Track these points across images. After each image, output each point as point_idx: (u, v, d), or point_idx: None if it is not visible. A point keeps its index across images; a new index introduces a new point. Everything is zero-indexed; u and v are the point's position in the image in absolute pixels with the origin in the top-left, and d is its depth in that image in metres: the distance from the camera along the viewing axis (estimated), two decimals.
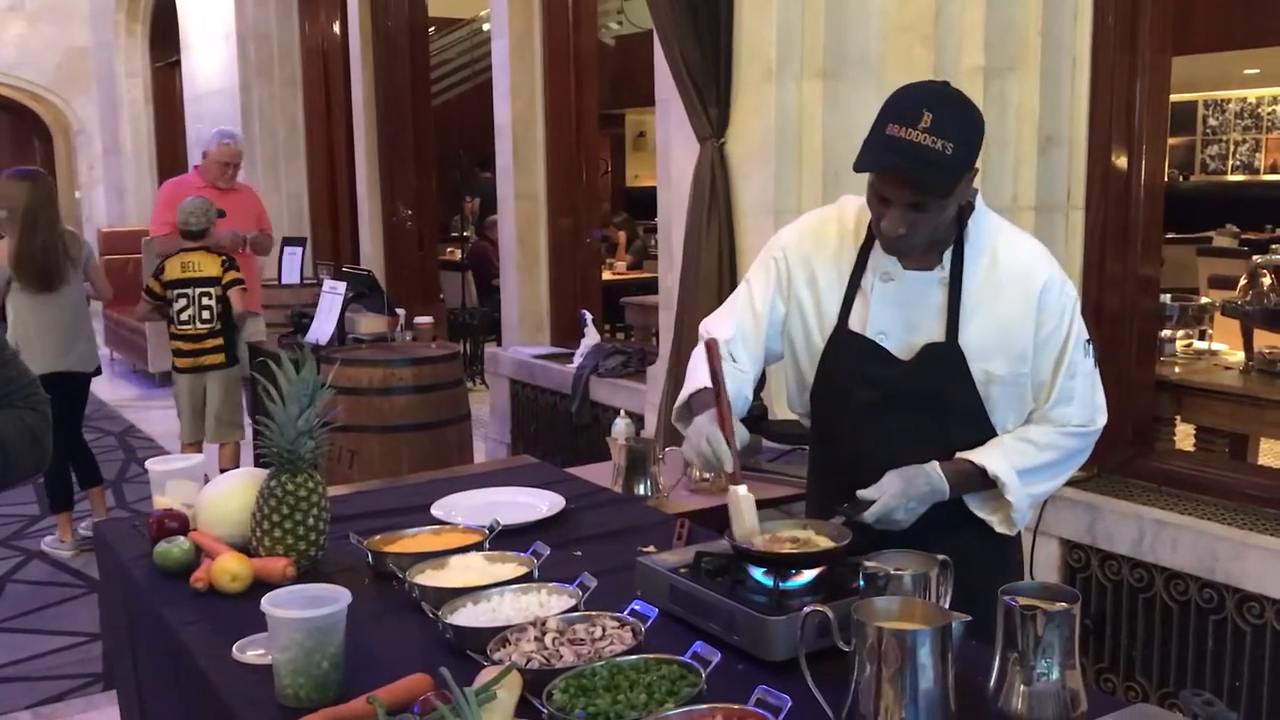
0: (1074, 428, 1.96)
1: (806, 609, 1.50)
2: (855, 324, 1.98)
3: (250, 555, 1.99)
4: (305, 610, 1.54)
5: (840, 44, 3.46)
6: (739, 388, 2.00)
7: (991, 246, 1.94)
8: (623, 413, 3.29)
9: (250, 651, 1.69)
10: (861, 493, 1.88)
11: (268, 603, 1.56)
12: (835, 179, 3.48)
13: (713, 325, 2.11)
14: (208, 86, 8.54)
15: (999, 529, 2.01)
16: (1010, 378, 1.93)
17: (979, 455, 1.94)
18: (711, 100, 3.61)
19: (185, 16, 8.87)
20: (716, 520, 2.71)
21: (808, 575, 1.71)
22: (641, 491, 2.92)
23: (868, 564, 1.58)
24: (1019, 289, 1.92)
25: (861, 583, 1.58)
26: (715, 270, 3.67)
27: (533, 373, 5.52)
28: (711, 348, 1.88)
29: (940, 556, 1.62)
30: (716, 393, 1.85)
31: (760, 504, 1.86)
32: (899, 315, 1.95)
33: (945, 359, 1.92)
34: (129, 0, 10.98)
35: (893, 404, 1.96)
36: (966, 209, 1.93)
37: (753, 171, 3.60)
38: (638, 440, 3.04)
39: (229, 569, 1.92)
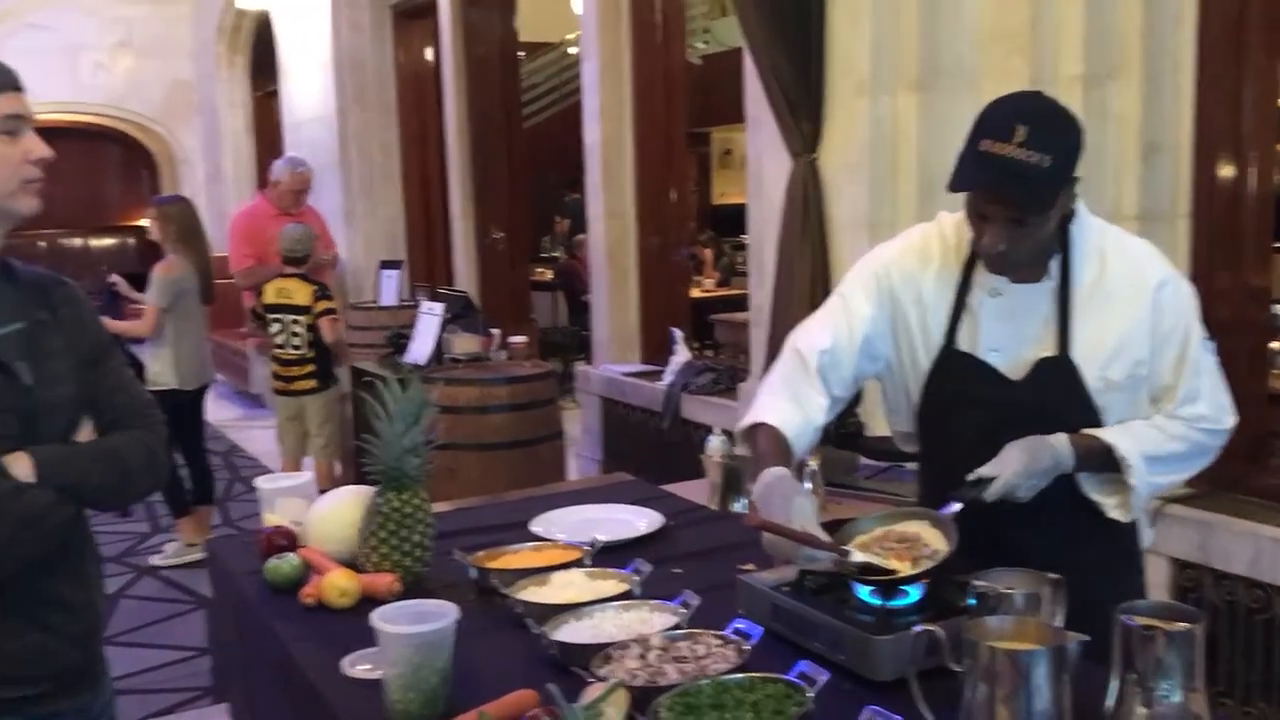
0: (1202, 423, 1.91)
1: (917, 628, 1.47)
2: (963, 343, 1.94)
3: (357, 571, 2.03)
4: (415, 625, 1.56)
5: (934, 55, 3.43)
6: (809, 418, 1.95)
7: (1099, 250, 1.90)
8: (718, 429, 3.28)
9: (359, 666, 1.72)
10: (981, 470, 1.82)
11: (377, 618, 1.58)
12: (931, 191, 3.44)
13: (803, 337, 2.03)
14: (306, 114, 8.77)
15: (1111, 514, 1.94)
16: (1128, 382, 1.88)
17: (1107, 433, 1.88)
18: (804, 115, 3.61)
19: (283, 47, 9.12)
20: None
21: (914, 593, 1.69)
22: (738, 509, 2.91)
23: (978, 583, 1.55)
24: (1132, 289, 1.88)
25: (971, 601, 1.55)
26: (809, 286, 3.66)
27: (623, 390, 5.54)
28: (760, 524, 1.76)
29: (1052, 575, 1.58)
30: (776, 527, 1.74)
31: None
32: (1009, 330, 1.91)
33: (1058, 373, 1.88)
34: (230, 33, 11.33)
35: (1006, 425, 1.90)
36: (1069, 215, 1.89)
37: (846, 186, 3.58)
38: (733, 457, 3.03)
39: (338, 585, 1.96)
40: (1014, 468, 1.81)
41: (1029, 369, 1.90)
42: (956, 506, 1.80)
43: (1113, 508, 1.94)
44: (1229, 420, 1.95)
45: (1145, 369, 1.88)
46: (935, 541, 1.74)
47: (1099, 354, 1.87)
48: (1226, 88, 3.26)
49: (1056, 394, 1.89)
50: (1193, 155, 3.31)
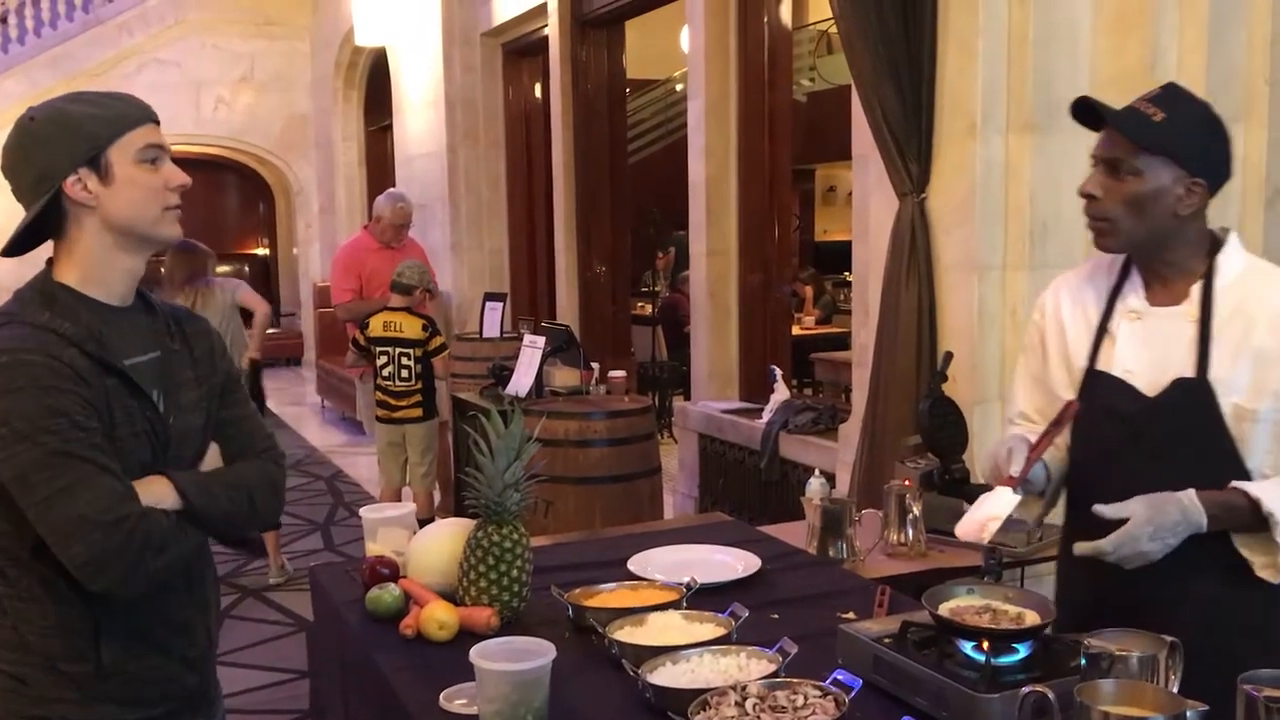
0: None
1: (1026, 689, 1.43)
2: (1103, 365, 1.97)
3: (456, 604, 2.04)
4: (513, 664, 1.56)
5: (1048, 96, 3.36)
6: (1056, 464, 2.04)
7: (1243, 281, 1.89)
8: (817, 472, 3.24)
9: (457, 701, 1.73)
10: (1099, 508, 1.78)
11: (476, 655, 1.59)
12: (1043, 233, 3.38)
13: (1011, 403, 2.22)
14: (417, 149, 8.98)
15: (1260, 573, 1.85)
16: (1264, 414, 1.83)
17: (1255, 487, 1.81)
18: (912, 155, 3.56)
19: (397, 84, 9.37)
20: (916, 588, 2.63)
21: (1021, 651, 1.63)
22: (836, 554, 2.86)
23: (1090, 642, 1.50)
24: (1272, 323, 1.84)
25: (1083, 662, 1.50)
26: (914, 327, 3.60)
27: (721, 427, 5.51)
28: (1069, 406, 1.92)
29: (1168, 638, 1.52)
30: (1047, 430, 1.91)
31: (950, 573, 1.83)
32: (1146, 353, 1.91)
33: (1194, 394, 1.85)
34: (346, 70, 11.68)
35: (1140, 444, 1.89)
36: (1216, 245, 1.90)
37: (954, 227, 3.52)
38: (833, 501, 2.99)
39: (437, 617, 1.98)
40: (1136, 520, 1.75)
41: (1164, 389, 1.89)
42: (1083, 553, 1.79)
43: (1261, 566, 1.85)
44: None
45: None
46: (1029, 619, 1.69)
47: (1235, 382, 1.84)
48: None
49: (1191, 415, 1.86)
50: None
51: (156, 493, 1.67)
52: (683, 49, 7.21)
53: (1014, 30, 3.38)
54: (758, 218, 5.67)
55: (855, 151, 4.13)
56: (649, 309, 9.93)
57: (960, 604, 1.74)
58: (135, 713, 1.75)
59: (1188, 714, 1.30)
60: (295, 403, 11.04)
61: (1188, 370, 1.86)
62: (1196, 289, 1.89)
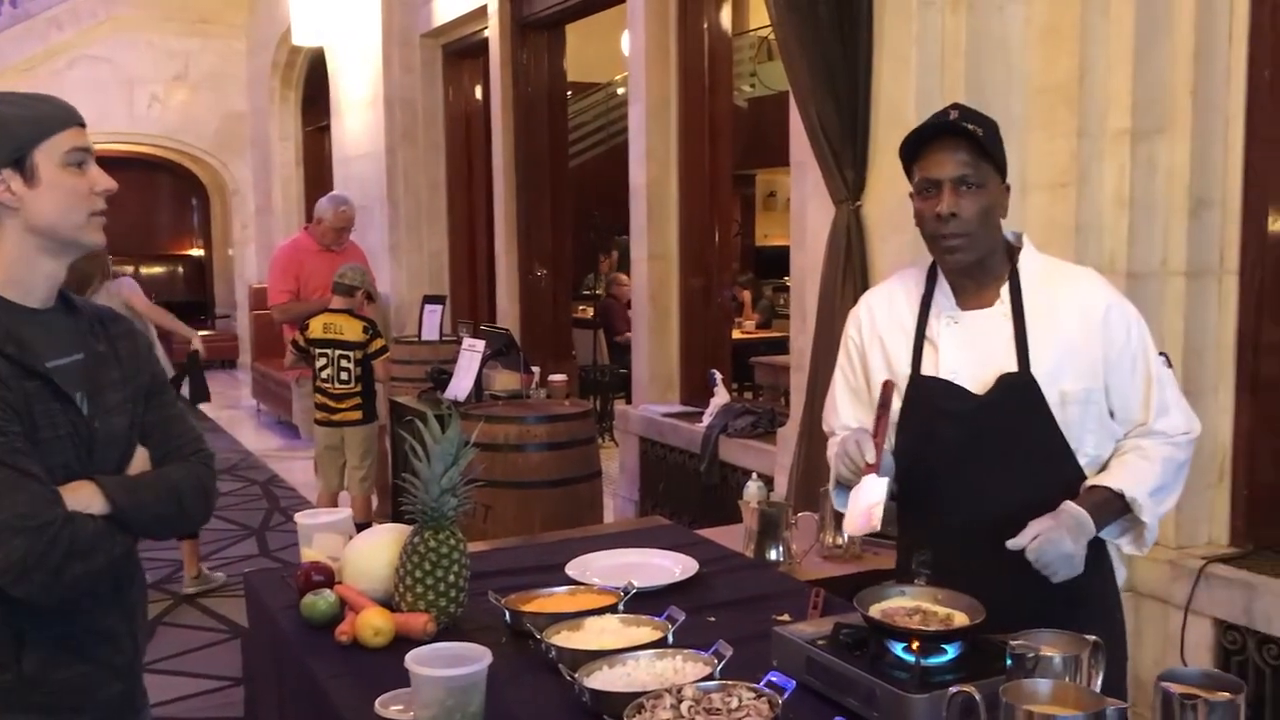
0: (1180, 436, 2.00)
1: (952, 689, 1.46)
2: (928, 370, 2.05)
3: (393, 610, 2.04)
4: (448, 669, 1.57)
5: (980, 106, 3.34)
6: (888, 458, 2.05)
7: (1045, 277, 2.03)
8: (755, 475, 3.27)
9: (393, 707, 1.73)
10: (1012, 543, 1.86)
11: (411, 661, 1.59)
12: None
13: (829, 418, 2.25)
14: (355, 149, 8.90)
15: (1127, 549, 2.03)
16: (1083, 394, 1.97)
17: (1112, 480, 1.96)
18: (848, 163, 3.61)
19: (335, 84, 9.27)
20: (851, 590, 2.67)
21: (950, 651, 1.67)
22: (773, 556, 2.89)
23: (1015, 643, 1.53)
24: (1079, 313, 1.99)
25: (1009, 662, 1.53)
26: None
27: (662, 431, 5.54)
28: (887, 386, 1.99)
29: (1091, 638, 1.57)
30: (878, 415, 1.96)
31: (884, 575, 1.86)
32: (969, 354, 2.02)
33: (1020, 387, 1.97)
34: (283, 69, 11.54)
35: (974, 440, 2.00)
36: (1015, 249, 2.04)
37: (890, 234, 3.57)
38: (770, 504, 3.02)
39: (372, 624, 1.97)
40: (1045, 527, 1.86)
41: (991, 385, 1.99)
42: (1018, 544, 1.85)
43: (1127, 544, 2.02)
44: (1197, 427, 2.04)
45: (1099, 383, 1.97)
46: (958, 620, 1.74)
47: (1051, 369, 1.96)
48: (1277, 144, 3.23)
49: (1020, 407, 1.97)
50: (1241, 211, 3.27)
51: (83, 498, 1.65)
52: (623, 53, 7.24)
53: (947, 41, 3.44)
54: (698, 222, 5.70)
55: (793, 158, 4.17)
56: (590, 312, 9.93)
57: (891, 605, 1.78)
58: None
59: (1107, 712, 1.34)
60: (230, 406, 10.88)
61: (1010, 366, 1.97)
62: (1005, 290, 2.01)
